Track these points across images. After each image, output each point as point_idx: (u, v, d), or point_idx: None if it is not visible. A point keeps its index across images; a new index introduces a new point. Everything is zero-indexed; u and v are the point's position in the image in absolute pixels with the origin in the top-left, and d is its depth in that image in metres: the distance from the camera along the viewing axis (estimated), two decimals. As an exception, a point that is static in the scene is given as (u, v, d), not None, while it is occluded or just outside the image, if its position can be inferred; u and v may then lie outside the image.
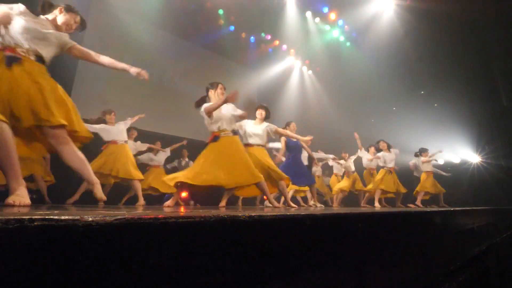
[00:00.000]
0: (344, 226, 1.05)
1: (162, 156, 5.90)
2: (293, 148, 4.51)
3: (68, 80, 5.71)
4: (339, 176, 6.99)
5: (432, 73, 8.69)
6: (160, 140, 5.87)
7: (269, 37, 9.64)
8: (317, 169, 6.92)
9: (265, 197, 3.82)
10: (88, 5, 6.33)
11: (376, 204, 5.52)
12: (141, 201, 4.16)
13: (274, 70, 10.22)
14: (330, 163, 6.92)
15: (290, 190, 5.19)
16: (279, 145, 4.60)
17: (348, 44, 9.90)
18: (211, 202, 4.78)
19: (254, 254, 0.71)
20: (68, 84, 5.71)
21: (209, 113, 2.79)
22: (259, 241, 0.74)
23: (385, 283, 1.18)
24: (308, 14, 9.24)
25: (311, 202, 5.10)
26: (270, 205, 3.20)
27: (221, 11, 8.29)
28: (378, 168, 5.96)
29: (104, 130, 4.19)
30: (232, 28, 8.84)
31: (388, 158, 5.68)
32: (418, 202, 5.88)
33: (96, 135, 3.93)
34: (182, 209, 2.13)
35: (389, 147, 5.78)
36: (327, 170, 7.73)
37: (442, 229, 1.89)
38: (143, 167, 5.50)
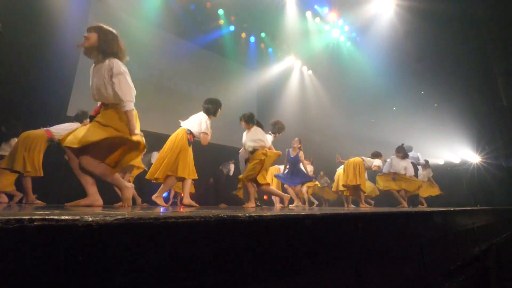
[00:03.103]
0: (344, 226, 1.05)
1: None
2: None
3: (68, 80, 5.71)
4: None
5: (432, 73, 8.68)
6: (159, 139, 5.86)
7: (269, 37, 9.65)
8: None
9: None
10: (88, 6, 6.34)
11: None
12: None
13: (274, 70, 10.22)
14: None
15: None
16: None
17: (348, 44, 9.91)
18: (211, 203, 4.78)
19: (254, 254, 0.71)
20: (68, 84, 5.71)
21: None
22: (259, 241, 0.74)
23: (385, 283, 1.18)
24: (308, 14, 9.24)
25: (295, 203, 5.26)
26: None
27: (221, 11, 8.30)
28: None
29: None
30: (232, 28, 8.85)
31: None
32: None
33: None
34: (182, 209, 2.13)
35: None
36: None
37: (442, 229, 1.89)
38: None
